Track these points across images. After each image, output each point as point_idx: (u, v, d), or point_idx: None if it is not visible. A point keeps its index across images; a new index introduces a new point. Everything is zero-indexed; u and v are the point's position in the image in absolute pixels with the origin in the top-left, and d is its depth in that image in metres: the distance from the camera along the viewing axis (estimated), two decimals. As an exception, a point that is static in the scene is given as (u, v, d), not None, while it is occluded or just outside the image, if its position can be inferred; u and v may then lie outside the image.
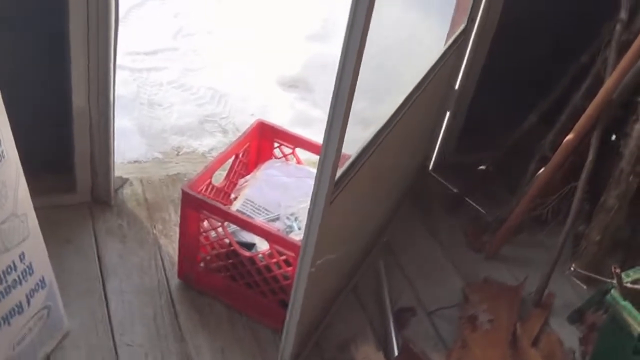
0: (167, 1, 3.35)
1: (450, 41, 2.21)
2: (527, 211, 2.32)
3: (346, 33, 1.27)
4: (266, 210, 2.02)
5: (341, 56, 1.30)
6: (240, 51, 3.15)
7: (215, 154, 2.51)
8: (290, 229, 1.99)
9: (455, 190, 2.56)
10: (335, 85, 1.33)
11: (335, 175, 1.45)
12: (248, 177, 2.15)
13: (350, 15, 1.25)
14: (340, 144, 1.39)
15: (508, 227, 2.34)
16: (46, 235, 1.69)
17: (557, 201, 2.30)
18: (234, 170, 2.17)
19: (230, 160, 2.14)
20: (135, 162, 2.47)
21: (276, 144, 2.23)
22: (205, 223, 1.92)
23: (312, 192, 1.46)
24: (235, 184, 2.16)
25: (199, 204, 1.88)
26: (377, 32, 1.35)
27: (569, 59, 2.41)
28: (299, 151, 2.24)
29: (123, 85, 2.74)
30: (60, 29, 1.86)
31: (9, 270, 1.55)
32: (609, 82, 2.15)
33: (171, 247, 2.13)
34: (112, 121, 2.08)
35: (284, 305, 1.76)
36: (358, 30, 1.25)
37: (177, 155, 2.55)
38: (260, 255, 1.86)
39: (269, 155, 2.24)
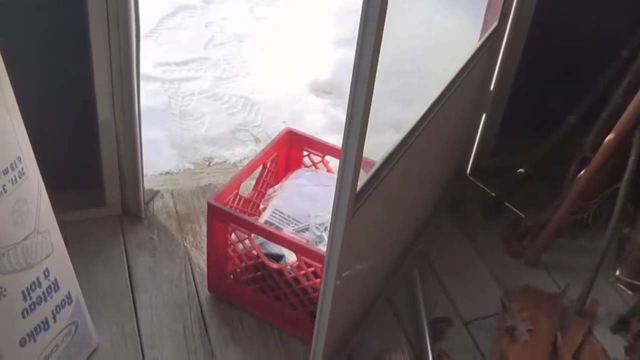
0: (198, 11, 3.36)
1: (482, 40, 2.14)
2: (568, 214, 2.23)
3: (359, 30, 1.20)
4: (295, 220, 1.98)
5: (356, 54, 1.22)
6: (271, 59, 3.13)
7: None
8: (320, 239, 1.94)
9: (493, 195, 2.48)
10: (351, 87, 1.26)
11: (356, 186, 1.39)
12: (277, 186, 2.12)
13: (362, 14, 1.18)
14: (359, 152, 1.32)
15: (548, 231, 2.25)
16: (76, 248, 1.68)
17: (599, 203, 2.21)
18: (262, 180, 2.13)
19: (259, 170, 2.11)
20: (166, 173, 2.46)
21: (305, 152, 2.19)
22: (233, 235, 1.89)
23: (333, 204, 1.41)
24: (264, 194, 2.12)
25: (225, 216, 1.85)
26: (404, 34, 1.29)
27: (609, 54, 2.31)
28: (329, 159, 2.19)
29: (154, 96, 2.74)
30: (81, 40, 1.85)
31: (33, 286, 1.55)
32: (651, 78, 2.06)
33: (202, 259, 2.11)
34: (139, 133, 2.07)
35: (314, 317, 1.71)
36: (372, 26, 1.18)
37: (209, 165, 2.53)
38: (288, 267, 1.82)
39: (298, 164, 2.20)
